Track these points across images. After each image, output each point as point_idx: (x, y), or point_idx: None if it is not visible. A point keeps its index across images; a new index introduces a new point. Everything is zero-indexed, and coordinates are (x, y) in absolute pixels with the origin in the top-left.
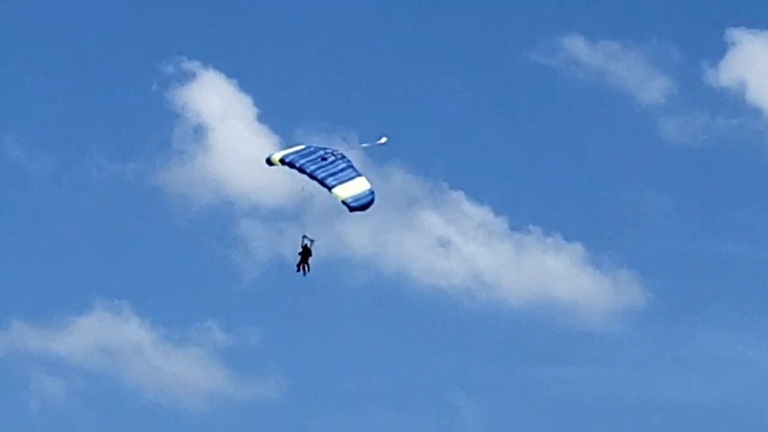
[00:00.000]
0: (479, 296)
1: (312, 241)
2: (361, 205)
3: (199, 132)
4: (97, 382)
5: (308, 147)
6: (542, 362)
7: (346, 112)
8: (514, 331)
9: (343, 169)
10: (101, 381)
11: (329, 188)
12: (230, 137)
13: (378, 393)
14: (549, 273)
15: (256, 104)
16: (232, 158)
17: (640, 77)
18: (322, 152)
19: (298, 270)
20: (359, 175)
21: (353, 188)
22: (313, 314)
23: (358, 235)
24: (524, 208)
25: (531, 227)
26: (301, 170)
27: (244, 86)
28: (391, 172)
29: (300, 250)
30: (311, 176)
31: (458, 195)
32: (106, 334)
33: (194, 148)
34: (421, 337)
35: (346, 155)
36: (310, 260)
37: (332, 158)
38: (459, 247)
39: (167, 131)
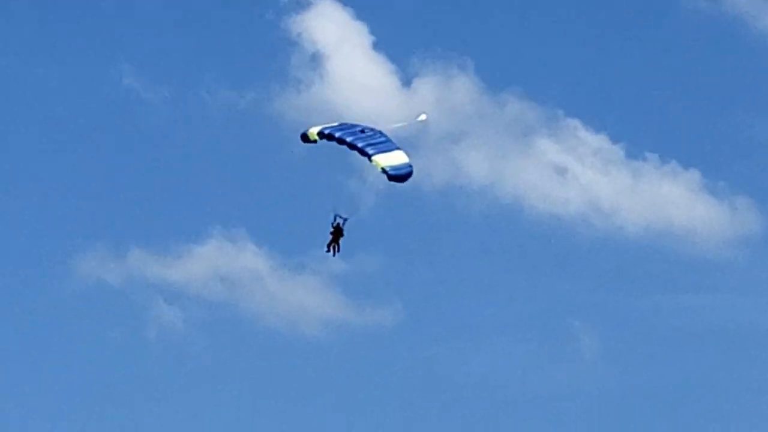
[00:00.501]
0: (596, 224)
1: (345, 219)
2: (399, 176)
3: (315, 60)
4: (214, 310)
5: (344, 123)
6: (659, 289)
7: (462, 40)
8: (631, 258)
9: (382, 141)
10: (219, 309)
11: (369, 156)
12: (346, 65)
13: (495, 320)
14: (666, 200)
15: (372, 32)
16: (348, 86)
17: (757, 3)
18: (359, 127)
19: (328, 250)
20: (398, 148)
21: (393, 159)
22: (430, 242)
23: (475, 164)
24: (641, 135)
25: (647, 154)
26: (340, 141)
27: (360, 14)
28: (507, 99)
29: (331, 229)
30: (351, 146)
31: (574, 123)
32: (223, 263)
33: (310, 76)
34: (537, 264)
35: (383, 131)
36: (342, 240)
37: (370, 132)
38: (576, 174)
39: (283, 60)
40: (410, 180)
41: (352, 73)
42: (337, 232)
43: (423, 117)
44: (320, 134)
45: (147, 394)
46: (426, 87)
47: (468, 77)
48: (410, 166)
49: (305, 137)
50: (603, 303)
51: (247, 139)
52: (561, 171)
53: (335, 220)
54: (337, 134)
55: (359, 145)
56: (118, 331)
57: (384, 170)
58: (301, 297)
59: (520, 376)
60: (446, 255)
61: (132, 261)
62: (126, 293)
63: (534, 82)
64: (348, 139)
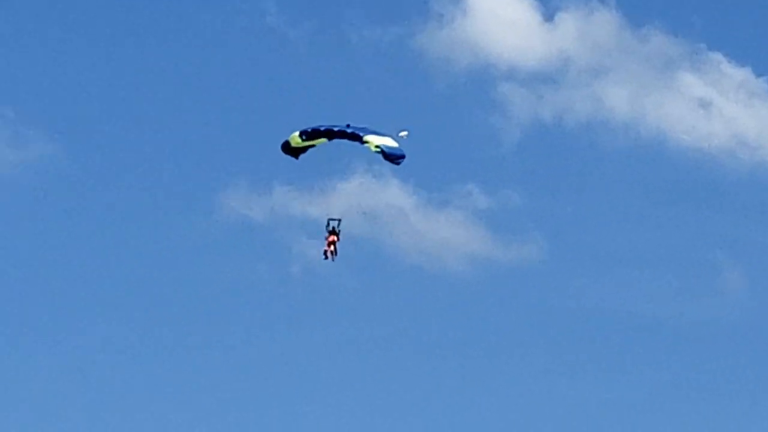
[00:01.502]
0: (741, 157)
1: (339, 221)
2: (395, 155)
3: None
4: (358, 246)
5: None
6: None
7: None
8: None
9: (371, 129)
10: (363, 245)
11: (360, 138)
12: (489, 0)
13: (638, 254)
14: None
15: None
16: (490, 21)
17: None
18: (343, 124)
19: (326, 257)
20: (389, 135)
21: (386, 141)
22: (573, 177)
23: (617, 98)
24: None
25: None
26: (328, 133)
27: None
28: (649, 34)
29: (326, 235)
30: (341, 134)
31: (717, 56)
32: (367, 199)
33: (453, 11)
34: (681, 198)
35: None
36: (338, 244)
37: (355, 126)
38: (720, 108)
39: None
40: (553, 115)
41: (493, 7)
42: (334, 236)
43: (404, 134)
44: (303, 132)
45: (291, 329)
46: (568, 21)
47: (610, 11)
48: (402, 151)
49: (287, 147)
50: (747, 237)
51: (390, 75)
52: (704, 105)
53: (329, 225)
54: (323, 128)
55: (349, 130)
56: (262, 266)
57: (379, 148)
58: (445, 233)
59: (663, 308)
60: (589, 190)
61: (276, 197)
62: (270, 229)
63: (676, 16)
64: (336, 128)
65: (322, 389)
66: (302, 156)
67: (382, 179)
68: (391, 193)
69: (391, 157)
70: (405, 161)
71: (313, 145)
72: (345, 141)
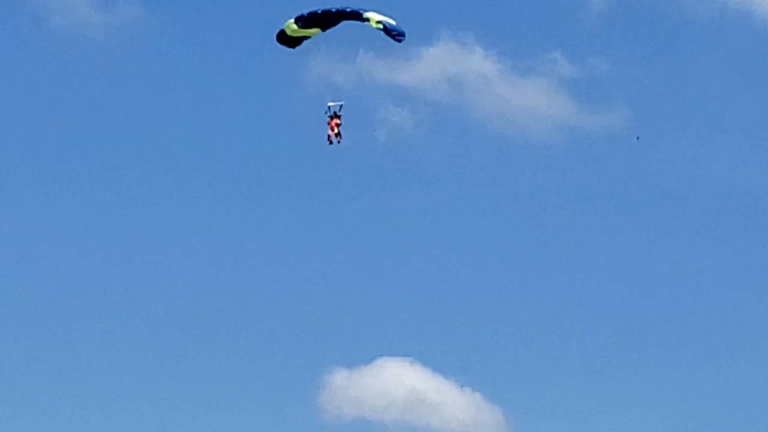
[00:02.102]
0: None
1: (340, 105)
2: (397, 30)
3: None
4: (443, 112)
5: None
6: None
7: None
8: None
9: (370, 7)
10: (447, 112)
11: (360, 15)
12: None
13: (724, 123)
14: None
15: None
16: None
17: None
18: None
19: (330, 141)
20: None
21: (386, 18)
22: (658, 46)
23: None
24: None
25: None
26: (325, 16)
27: None
28: None
29: (327, 119)
30: (339, 14)
31: None
32: (452, 65)
33: None
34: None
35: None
36: (340, 128)
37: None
38: None
39: None
40: None
41: None
42: (336, 119)
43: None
44: (299, 19)
45: (376, 195)
46: None
47: None
48: (403, 29)
49: (282, 35)
50: None
51: None
52: None
53: (329, 110)
54: (319, 11)
55: (348, 9)
56: (348, 133)
57: (381, 24)
58: (530, 100)
59: (751, 179)
60: (675, 59)
61: (361, 64)
62: (355, 95)
63: None
64: (334, 8)
65: (409, 254)
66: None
67: (467, 46)
68: (475, 60)
69: (393, 33)
70: (490, 27)
71: (308, 36)
72: (344, 24)
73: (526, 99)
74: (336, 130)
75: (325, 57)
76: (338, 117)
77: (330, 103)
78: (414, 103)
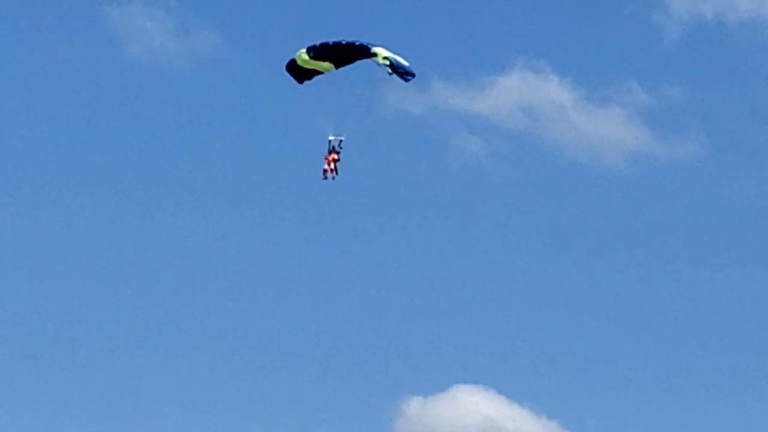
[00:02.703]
0: None
1: (341, 140)
2: (406, 70)
3: None
4: (517, 141)
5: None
6: None
7: None
8: None
9: (379, 44)
10: (521, 140)
11: (368, 49)
12: None
13: None
14: None
15: None
16: None
17: None
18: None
19: (325, 177)
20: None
21: (395, 55)
22: (733, 74)
23: None
24: None
25: None
26: (335, 48)
27: None
28: None
29: (326, 153)
30: (348, 48)
31: None
32: (526, 94)
33: None
34: None
35: None
36: (339, 163)
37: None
38: None
39: None
40: (714, 12)
41: None
42: (334, 155)
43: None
44: (311, 50)
45: (450, 223)
46: None
47: None
48: (412, 69)
49: (292, 65)
50: None
51: None
52: None
53: (330, 144)
54: (330, 42)
55: (356, 42)
56: (422, 160)
57: (387, 60)
58: (605, 129)
59: None
60: (751, 86)
61: (434, 92)
62: (430, 123)
63: None
64: (343, 42)
65: (484, 282)
66: (463, 49)
67: (542, 74)
68: (550, 89)
69: (400, 70)
70: (565, 55)
71: (319, 72)
72: (355, 64)
73: (601, 127)
74: (332, 165)
75: (399, 85)
76: (337, 152)
77: (330, 137)
78: (488, 132)
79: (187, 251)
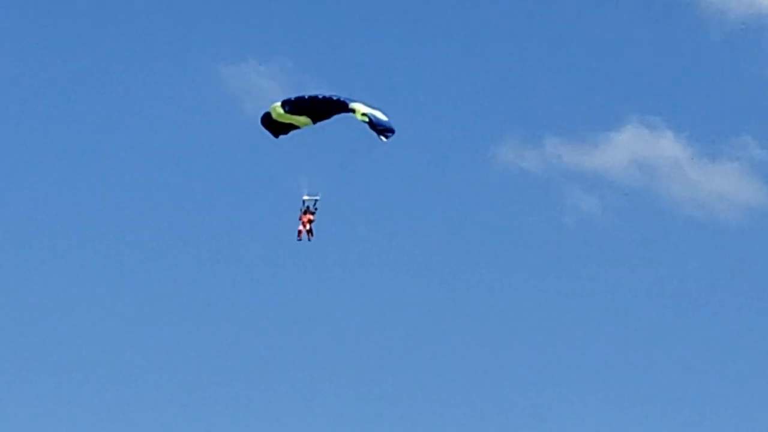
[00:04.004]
0: None
1: (315, 200)
2: (384, 127)
3: None
4: (632, 197)
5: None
6: None
7: None
8: None
9: (358, 99)
10: (637, 197)
11: (346, 105)
12: None
13: None
14: None
15: None
16: None
17: None
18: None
19: (299, 238)
20: (378, 109)
21: (376, 112)
22: None
23: None
24: None
25: None
26: (311, 103)
27: None
28: None
29: (299, 214)
30: (324, 102)
31: None
32: (641, 149)
33: None
34: None
35: None
36: (313, 225)
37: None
38: None
39: None
40: None
41: None
42: (309, 215)
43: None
44: (286, 103)
45: (564, 279)
46: None
47: None
48: (392, 125)
49: (266, 118)
50: None
51: (663, 26)
52: None
53: (304, 204)
54: (307, 95)
55: (334, 97)
56: (536, 217)
57: (366, 117)
58: (720, 184)
59: None
60: None
61: (549, 149)
62: (544, 180)
63: None
64: (320, 96)
65: (597, 338)
66: (576, 106)
67: (656, 130)
68: (664, 144)
69: (379, 127)
70: (679, 110)
71: (295, 126)
72: (332, 119)
73: (717, 183)
74: (308, 227)
75: (512, 141)
76: (311, 213)
77: (305, 197)
78: (603, 188)
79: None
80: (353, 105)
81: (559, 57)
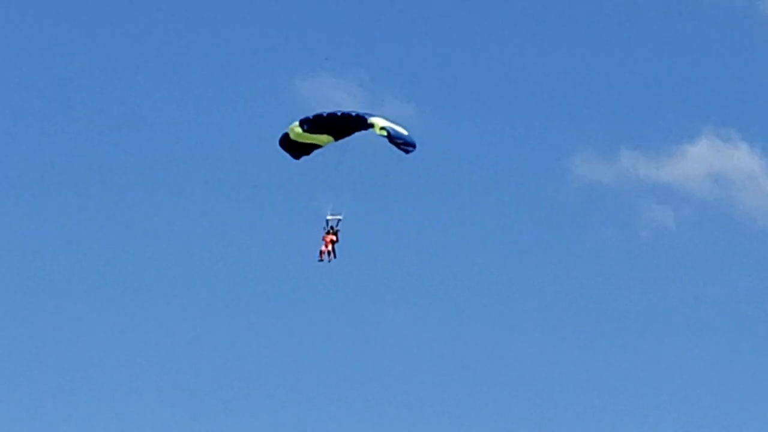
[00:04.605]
0: None
1: (339, 219)
2: (405, 141)
3: None
4: (707, 210)
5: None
6: None
7: None
8: None
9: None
10: (712, 209)
11: (365, 120)
12: None
13: None
14: None
15: None
16: None
17: None
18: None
19: (321, 259)
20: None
21: (395, 126)
22: None
23: None
24: None
25: None
26: (330, 119)
27: None
28: None
29: (323, 234)
30: (344, 119)
31: None
32: (716, 162)
33: None
34: None
35: None
36: (337, 245)
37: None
38: None
39: None
40: None
41: None
42: (332, 236)
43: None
44: (304, 122)
45: (639, 291)
46: None
47: None
48: (413, 139)
49: (285, 139)
50: None
51: (740, 37)
52: None
53: (327, 224)
54: (325, 113)
55: (353, 113)
56: (611, 230)
57: (384, 130)
58: None
59: None
60: None
61: (623, 162)
62: (618, 193)
63: None
64: (339, 112)
65: (674, 352)
66: (650, 118)
67: (730, 142)
68: (739, 156)
69: (398, 141)
70: (753, 122)
71: (316, 145)
72: (353, 136)
73: None
74: (330, 247)
75: (587, 154)
76: (335, 233)
77: (328, 217)
78: (677, 201)
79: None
80: (372, 120)
81: (634, 70)
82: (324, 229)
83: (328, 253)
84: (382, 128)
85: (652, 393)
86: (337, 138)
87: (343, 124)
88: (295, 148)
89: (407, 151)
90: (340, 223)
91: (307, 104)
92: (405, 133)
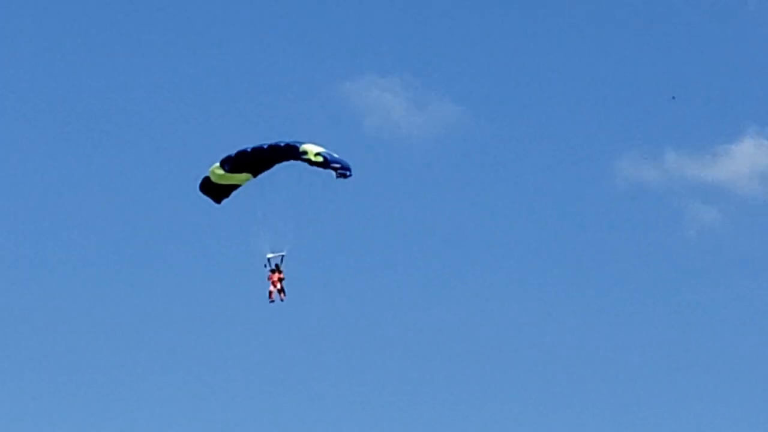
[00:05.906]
0: None
1: (282, 256)
2: (341, 165)
3: None
4: (753, 209)
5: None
6: None
7: None
8: None
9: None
10: (758, 208)
11: (296, 148)
12: None
13: None
14: None
15: None
16: None
17: None
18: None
19: (272, 299)
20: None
21: (325, 149)
22: None
23: None
24: None
25: None
26: (255, 155)
27: None
28: None
29: (268, 274)
30: (271, 151)
31: None
32: (761, 160)
33: None
34: None
35: None
36: (284, 282)
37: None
38: None
39: None
40: None
41: None
42: (277, 274)
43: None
44: (225, 162)
45: (685, 291)
46: None
47: None
48: (348, 163)
49: (205, 183)
50: None
51: None
52: None
53: (269, 263)
54: (248, 149)
55: (281, 143)
56: (657, 231)
57: (320, 156)
58: None
59: None
60: None
61: (668, 162)
62: (664, 194)
63: None
64: (266, 145)
65: (725, 354)
66: (695, 118)
67: None
68: None
69: (335, 165)
70: None
71: (236, 186)
72: (278, 167)
73: None
74: (279, 286)
75: (632, 155)
76: (280, 271)
77: (269, 255)
78: (723, 200)
79: None
80: (304, 147)
81: (678, 71)
82: (266, 267)
83: (279, 291)
84: (317, 154)
85: (704, 393)
86: (256, 174)
87: (270, 156)
88: (216, 191)
89: (345, 176)
90: (283, 259)
91: (353, 105)
92: (337, 156)
